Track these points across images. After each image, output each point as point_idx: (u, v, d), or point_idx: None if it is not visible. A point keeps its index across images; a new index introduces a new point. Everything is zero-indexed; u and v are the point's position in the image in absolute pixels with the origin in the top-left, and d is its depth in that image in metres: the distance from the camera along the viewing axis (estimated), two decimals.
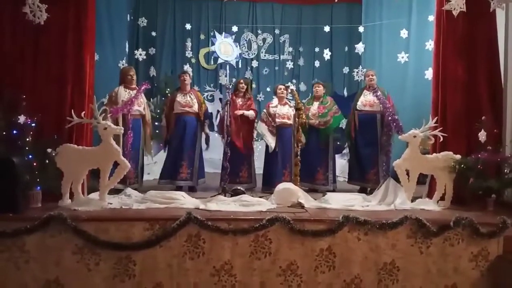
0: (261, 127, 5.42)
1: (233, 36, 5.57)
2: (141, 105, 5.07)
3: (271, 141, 5.33)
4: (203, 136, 5.43)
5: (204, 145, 5.53)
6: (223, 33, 5.31)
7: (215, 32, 5.13)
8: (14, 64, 4.14)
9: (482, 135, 4.30)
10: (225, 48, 5.09)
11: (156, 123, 6.45)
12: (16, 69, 4.14)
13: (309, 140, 5.36)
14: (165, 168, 5.31)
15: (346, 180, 5.68)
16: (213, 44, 5.00)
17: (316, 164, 5.39)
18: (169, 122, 5.29)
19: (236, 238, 3.52)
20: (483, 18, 4.49)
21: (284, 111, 5.38)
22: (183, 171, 5.22)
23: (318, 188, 5.32)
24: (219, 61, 5.03)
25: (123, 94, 4.99)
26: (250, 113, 5.39)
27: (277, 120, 5.35)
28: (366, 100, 5.32)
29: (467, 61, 4.55)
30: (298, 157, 4.81)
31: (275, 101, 5.53)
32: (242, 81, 5.62)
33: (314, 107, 5.45)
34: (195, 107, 5.29)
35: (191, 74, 5.69)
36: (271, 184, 5.16)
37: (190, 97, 5.32)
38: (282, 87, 5.52)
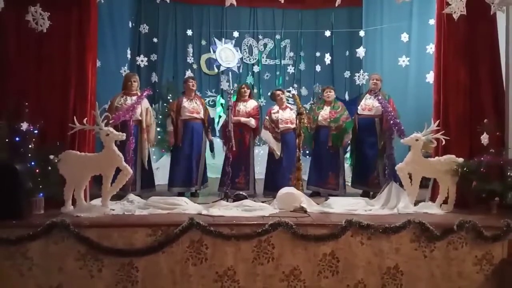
0: (265, 135, 5.39)
1: (233, 41, 5.55)
2: (137, 111, 5.00)
3: (276, 149, 5.30)
4: (207, 142, 5.43)
5: (209, 152, 5.51)
6: (223, 39, 5.30)
7: (215, 39, 5.11)
8: (17, 71, 4.15)
9: (485, 138, 4.30)
10: (226, 54, 5.09)
11: (158, 129, 6.45)
12: (19, 75, 4.16)
13: (320, 145, 5.36)
14: (175, 175, 5.25)
15: (349, 184, 5.67)
16: (213, 51, 4.99)
17: (328, 168, 5.38)
18: (176, 128, 5.24)
19: (238, 244, 3.52)
20: (484, 21, 4.50)
21: (286, 116, 5.37)
22: (194, 177, 5.23)
23: (328, 193, 5.27)
24: (221, 68, 5.01)
25: (118, 100, 5.00)
26: (248, 120, 5.32)
27: (280, 126, 5.34)
28: (365, 104, 5.34)
29: (468, 64, 4.56)
30: (300, 161, 4.81)
31: (276, 107, 5.52)
32: (244, 86, 5.61)
33: (326, 111, 5.42)
34: (202, 113, 5.31)
35: (196, 80, 5.70)
36: (275, 188, 5.12)
37: (196, 103, 5.32)
38: (279, 92, 5.51)
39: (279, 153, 5.29)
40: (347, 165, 6.42)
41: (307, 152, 5.83)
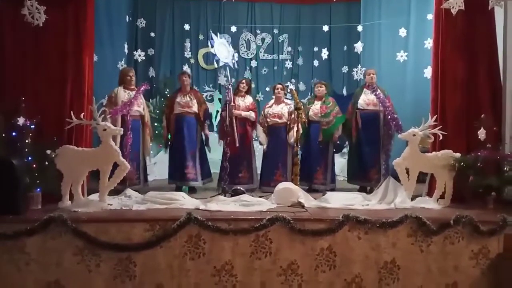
0: (258, 129, 5.45)
1: (226, 36, 5.51)
2: (141, 106, 5.08)
3: (263, 142, 5.38)
4: (203, 137, 5.44)
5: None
6: (218, 34, 5.28)
7: (212, 33, 5.09)
8: (13, 66, 4.13)
9: (482, 133, 4.31)
10: (222, 49, 5.07)
11: (156, 124, 6.45)
12: (16, 71, 4.13)
13: (309, 140, 5.38)
14: (171, 169, 5.32)
15: (346, 179, 5.68)
16: (212, 46, 4.97)
17: (316, 163, 5.39)
18: (169, 123, 5.31)
19: (236, 238, 3.53)
20: (482, 16, 4.49)
21: (276, 110, 5.38)
22: (190, 171, 5.23)
23: (317, 188, 5.29)
24: (221, 63, 5.00)
25: (123, 94, 4.99)
26: (248, 114, 5.37)
27: (268, 120, 5.37)
28: (368, 99, 5.30)
29: (466, 59, 4.56)
30: (298, 156, 4.81)
31: (271, 101, 5.53)
32: (243, 81, 5.61)
33: (316, 106, 5.43)
34: (194, 108, 5.29)
35: (190, 75, 5.69)
36: (264, 183, 5.28)
37: (189, 97, 5.31)
38: (280, 86, 5.51)
39: (265, 146, 5.36)
40: (344, 160, 6.44)
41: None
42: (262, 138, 5.41)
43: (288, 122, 5.27)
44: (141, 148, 5.12)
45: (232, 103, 5.11)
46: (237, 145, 4.98)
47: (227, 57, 5.05)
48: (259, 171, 5.57)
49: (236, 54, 5.52)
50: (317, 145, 5.35)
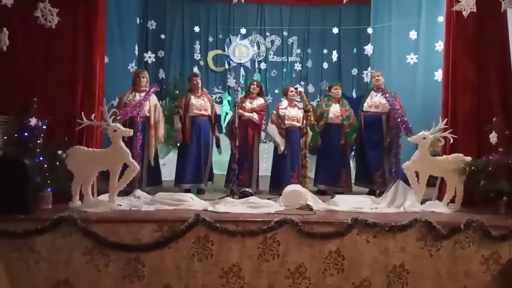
0: (271, 129, 5.40)
1: (250, 38, 5.50)
2: (146, 107, 4.98)
3: (281, 144, 5.31)
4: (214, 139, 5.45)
5: (215, 148, 5.53)
6: (239, 35, 5.27)
7: (230, 36, 5.08)
8: (25, 67, 4.18)
9: (493, 137, 4.26)
10: (240, 50, 5.08)
11: (167, 126, 6.46)
12: (27, 71, 4.19)
13: (331, 142, 5.34)
14: (184, 171, 5.24)
15: (354, 181, 5.65)
16: (227, 47, 4.96)
17: (340, 167, 5.36)
18: (184, 125, 5.24)
19: (244, 240, 3.52)
20: (494, 19, 4.45)
21: (294, 113, 5.37)
22: (202, 173, 5.25)
23: (338, 191, 5.19)
24: (232, 64, 5.00)
25: (127, 96, 5.00)
26: (251, 115, 5.32)
27: (286, 122, 5.34)
28: (372, 102, 5.33)
29: (477, 62, 4.52)
30: (307, 159, 4.80)
31: (284, 102, 5.51)
32: (254, 83, 5.61)
33: (336, 108, 5.41)
34: (209, 110, 5.31)
35: (200, 76, 5.71)
36: (279, 186, 5.14)
37: (203, 100, 5.32)
38: (294, 89, 5.50)
39: (282, 148, 5.30)
40: (352, 163, 6.42)
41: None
42: (279, 140, 5.32)
43: (302, 126, 5.22)
44: (145, 150, 5.01)
45: (239, 104, 5.12)
46: (237, 144, 4.96)
47: (245, 58, 5.05)
48: (267, 173, 5.55)
49: (254, 55, 5.50)
50: (339, 148, 5.33)
